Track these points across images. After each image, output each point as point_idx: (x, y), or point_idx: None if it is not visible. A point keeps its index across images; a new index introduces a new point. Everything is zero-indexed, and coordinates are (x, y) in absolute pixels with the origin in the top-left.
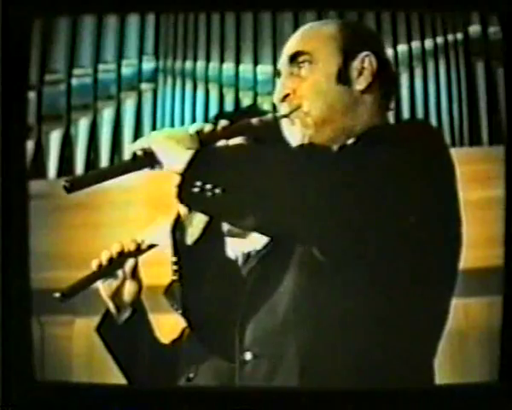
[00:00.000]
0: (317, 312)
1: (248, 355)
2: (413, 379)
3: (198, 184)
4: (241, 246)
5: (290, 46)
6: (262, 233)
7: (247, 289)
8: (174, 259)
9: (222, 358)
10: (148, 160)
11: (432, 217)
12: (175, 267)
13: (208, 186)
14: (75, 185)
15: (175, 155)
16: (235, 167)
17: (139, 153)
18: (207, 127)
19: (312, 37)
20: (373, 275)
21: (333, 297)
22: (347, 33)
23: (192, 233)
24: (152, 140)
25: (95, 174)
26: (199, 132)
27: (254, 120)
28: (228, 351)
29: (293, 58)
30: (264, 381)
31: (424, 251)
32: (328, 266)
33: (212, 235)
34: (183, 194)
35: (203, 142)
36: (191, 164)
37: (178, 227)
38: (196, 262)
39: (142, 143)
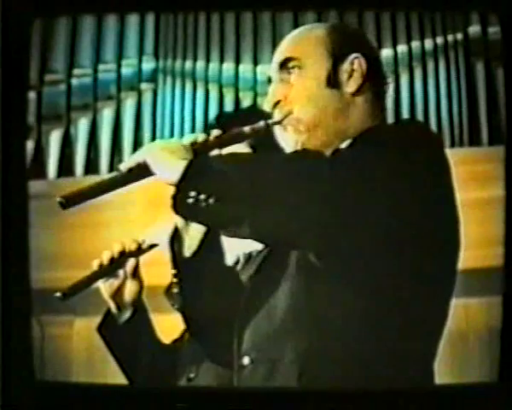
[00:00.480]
0: (315, 316)
1: (246, 360)
2: (413, 380)
3: (192, 194)
4: (242, 246)
5: (279, 52)
6: (258, 241)
7: (246, 294)
8: (174, 271)
9: (219, 364)
10: (142, 172)
11: (429, 217)
12: (175, 280)
13: (202, 196)
14: (70, 201)
15: (169, 166)
16: (229, 176)
17: (134, 166)
18: (200, 137)
19: (300, 42)
20: (370, 278)
21: (331, 301)
22: (335, 36)
23: (189, 245)
24: (146, 152)
25: (89, 189)
26: (192, 143)
27: (246, 129)
28: (225, 357)
29: (283, 64)
30: (261, 386)
31: (422, 253)
32: (326, 271)
33: (210, 246)
34: (178, 205)
35: (197, 152)
36: (185, 175)
37: (176, 239)
38: (195, 274)
39: (136, 157)
